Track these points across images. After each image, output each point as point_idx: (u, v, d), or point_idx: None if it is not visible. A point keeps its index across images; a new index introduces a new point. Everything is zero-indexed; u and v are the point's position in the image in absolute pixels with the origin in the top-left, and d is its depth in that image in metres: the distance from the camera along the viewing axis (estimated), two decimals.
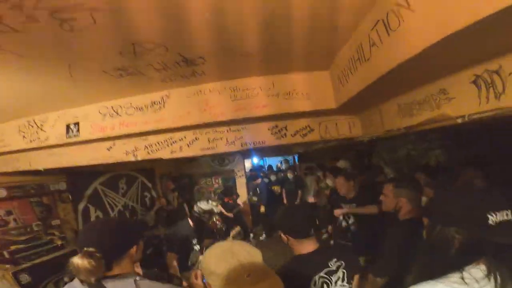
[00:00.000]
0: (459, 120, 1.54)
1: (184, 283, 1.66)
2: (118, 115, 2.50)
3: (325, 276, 1.39)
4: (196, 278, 1.24)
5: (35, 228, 4.07)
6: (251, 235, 6.71)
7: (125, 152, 2.82)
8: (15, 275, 3.33)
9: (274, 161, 10.02)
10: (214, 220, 5.77)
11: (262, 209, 6.72)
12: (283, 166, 8.09)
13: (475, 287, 0.82)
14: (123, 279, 1.14)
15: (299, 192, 6.49)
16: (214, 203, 3.24)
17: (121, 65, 1.82)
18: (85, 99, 2.49)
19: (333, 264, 1.43)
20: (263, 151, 8.32)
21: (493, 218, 0.82)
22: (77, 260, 1.06)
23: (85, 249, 1.09)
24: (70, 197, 4.61)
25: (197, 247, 3.50)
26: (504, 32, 0.97)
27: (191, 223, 3.10)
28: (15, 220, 3.88)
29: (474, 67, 1.37)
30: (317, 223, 1.50)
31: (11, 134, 2.91)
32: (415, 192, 1.92)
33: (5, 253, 3.46)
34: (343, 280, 1.43)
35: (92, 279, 1.07)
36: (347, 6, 1.43)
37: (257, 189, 7.17)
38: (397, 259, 1.61)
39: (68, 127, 2.60)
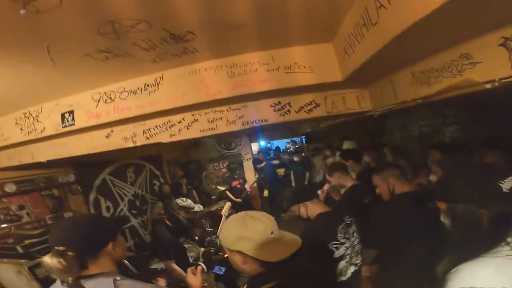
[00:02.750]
0: (488, 86, 1.45)
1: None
2: (112, 100, 2.40)
3: (345, 227, 1.69)
4: (195, 274, 1.30)
5: (49, 222, 4.05)
6: None
7: (123, 138, 2.73)
8: (31, 270, 3.32)
9: (282, 143, 9.87)
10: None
11: (266, 193, 6.54)
12: (292, 148, 7.97)
13: None
14: (102, 279, 1.08)
15: (307, 173, 6.38)
16: (187, 202, 2.92)
17: (104, 47, 1.69)
18: (76, 86, 2.39)
19: (347, 219, 1.73)
20: (269, 134, 8.18)
21: (504, 186, 0.83)
22: (47, 260, 1.01)
23: (56, 248, 1.03)
24: (80, 188, 4.62)
25: (190, 243, 3.31)
26: None
27: (168, 223, 2.95)
28: (28, 214, 3.88)
29: (500, 29, 1.28)
30: None
31: (9, 127, 2.87)
32: (396, 168, 2.03)
33: (19, 248, 3.41)
34: (357, 233, 1.75)
35: (69, 279, 1.02)
36: None
37: (262, 173, 7.02)
38: (389, 233, 1.71)
39: (63, 116, 2.52)
